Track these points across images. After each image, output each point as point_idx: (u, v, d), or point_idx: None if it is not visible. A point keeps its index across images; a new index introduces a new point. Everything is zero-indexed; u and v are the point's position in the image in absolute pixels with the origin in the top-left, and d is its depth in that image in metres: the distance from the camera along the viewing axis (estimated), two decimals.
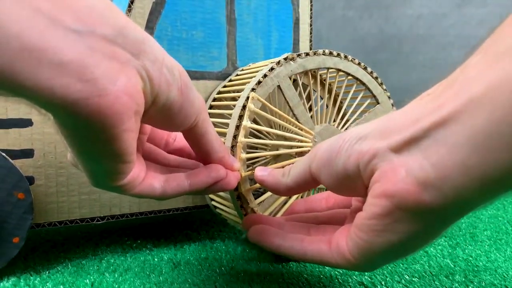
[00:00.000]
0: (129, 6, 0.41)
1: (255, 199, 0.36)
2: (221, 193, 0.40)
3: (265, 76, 0.37)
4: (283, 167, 0.33)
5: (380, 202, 0.23)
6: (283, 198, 0.38)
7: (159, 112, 0.24)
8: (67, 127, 0.21)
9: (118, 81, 0.20)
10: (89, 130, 0.21)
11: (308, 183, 0.30)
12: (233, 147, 0.35)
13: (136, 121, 0.23)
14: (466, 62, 0.21)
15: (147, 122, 0.26)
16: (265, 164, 0.44)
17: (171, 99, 0.24)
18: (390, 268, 0.40)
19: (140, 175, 0.27)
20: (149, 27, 0.42)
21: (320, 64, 0.40)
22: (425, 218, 0.22)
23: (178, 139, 0.34)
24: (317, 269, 0.39)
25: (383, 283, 0.36)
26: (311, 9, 0.51)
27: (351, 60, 0.42)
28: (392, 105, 0.44)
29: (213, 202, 0.44)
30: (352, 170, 0.25)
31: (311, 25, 0.52)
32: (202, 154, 0.31)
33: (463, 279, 0.38)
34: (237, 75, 0.46)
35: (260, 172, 0.32)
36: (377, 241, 0.24)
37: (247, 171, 0.35)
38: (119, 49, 0.21)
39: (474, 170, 0.19)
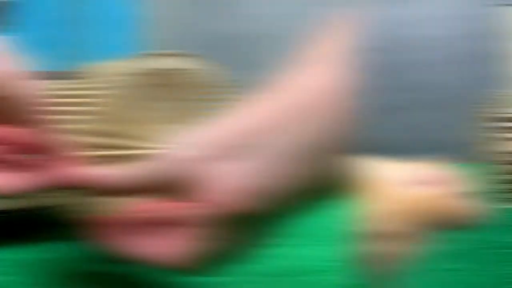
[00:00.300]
0: None
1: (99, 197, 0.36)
2: (66, 192, 0.39)
3: (112, 76, 0.38)
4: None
5: (201, 210, 0.24)
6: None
7: None
8: None
9: None
10: None
11: (141, 189, 0.30)
12: (76, 146, 0.35)
13: None
14: (284, 69, 0.23)
15: None
16: (111, 163, 0.45)
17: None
18: (231, 267, 0.41)
19: None
20: None
21: (164, 64, 0.41)
22: (244, 223, 0.24)
23: (21, 135, 0.33)
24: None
25: (225, 282, 0.37)
26: (158, 9, 0.52)
27: (196, 59, 0.44)
28: (238, 104, 0.46)
29: (58, 201, 0.43)
30: (181, 177, 0.26)
31: (157, 24, 0.52)
32: (46, 151, 0.30)
33: (300, 279, 0.40)
34: (85, 74, 0.45)
35: (87, 170, 0.32)
36: (201, 246, 0.25)
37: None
38: None
39: (283, 180, 0.21)
